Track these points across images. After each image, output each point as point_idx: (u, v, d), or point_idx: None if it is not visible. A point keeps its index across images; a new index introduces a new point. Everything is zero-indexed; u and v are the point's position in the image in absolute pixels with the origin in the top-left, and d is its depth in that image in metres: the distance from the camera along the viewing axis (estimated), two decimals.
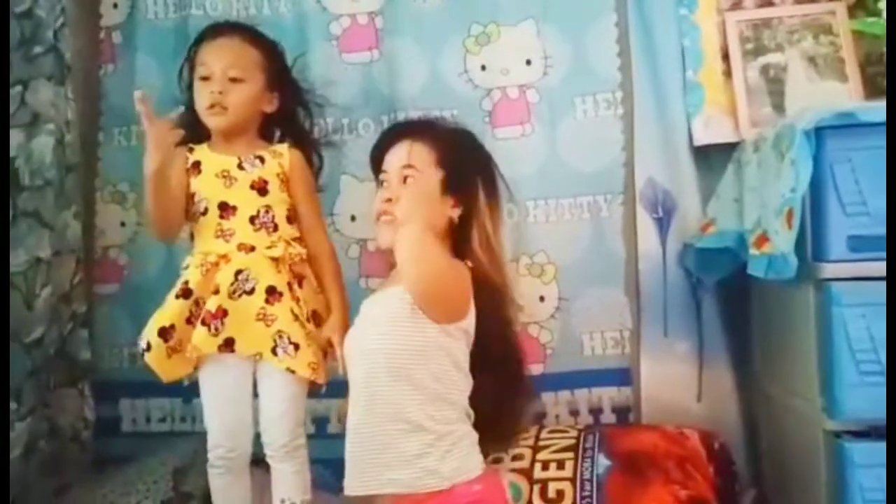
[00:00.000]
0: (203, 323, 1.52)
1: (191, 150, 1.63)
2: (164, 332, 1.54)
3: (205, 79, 1.61)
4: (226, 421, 1.55)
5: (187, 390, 1.65)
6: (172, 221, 1.60)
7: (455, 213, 1.48)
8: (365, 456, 1.39)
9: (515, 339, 1.56)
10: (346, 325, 1.57)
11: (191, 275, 1.57)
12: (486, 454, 1.45)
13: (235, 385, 1.56)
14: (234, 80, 1.60)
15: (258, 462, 1.60)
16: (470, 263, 1.43)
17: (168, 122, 1.54)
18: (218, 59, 1.60)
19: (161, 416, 2.05)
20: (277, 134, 1.73)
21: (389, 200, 1.46)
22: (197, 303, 1.55)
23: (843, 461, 1.37)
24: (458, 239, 1.48)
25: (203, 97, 1.60)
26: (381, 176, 1.52)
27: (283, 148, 1.66)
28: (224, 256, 1.56)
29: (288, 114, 1.71)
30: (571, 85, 1.98)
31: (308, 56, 1.97)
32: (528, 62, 2.00)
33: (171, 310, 1.55)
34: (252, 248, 1.56)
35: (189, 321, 1.54)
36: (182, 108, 1.71)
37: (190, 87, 1.66)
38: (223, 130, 1.62)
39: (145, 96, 1.47)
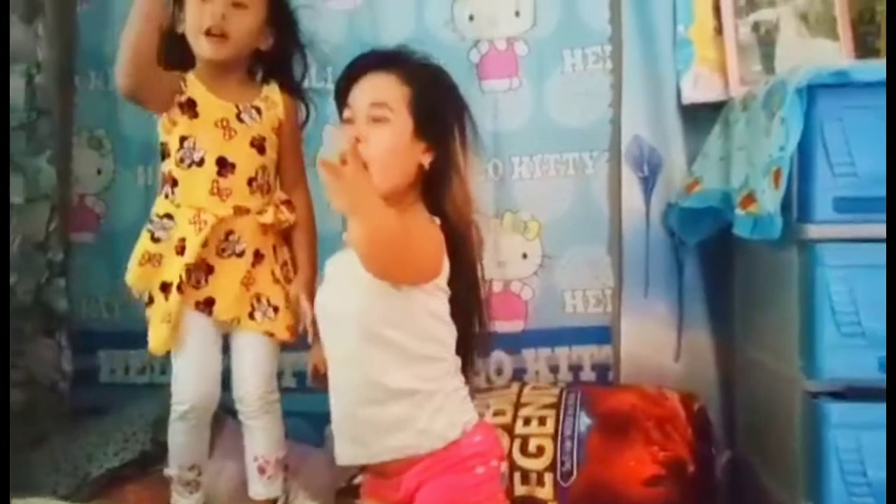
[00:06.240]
0: (186, 276, 1.46)
1: (183, 78, 1.47)
2: (166, 288, 1.47)
3: None
4: (200, 375, 1.50)
5: None
6: (139, 69, 1.39)
7: (426, 160, 1.31)
8: (350, 425, 1.30)
9: (479, 294, 1.42)
10: (312, 284, 1.53)
11: (186, 231, 1.47)
12: None
13: (208, 341, 1.51)
14: (237, 4, 1.44)
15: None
16: (438, 220, 1.31)
17: None
18: None
19: (140, 368, 2.03)
20: (260, 73, 1.58)
21: (358, 141, 1.28)
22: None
23: (819, 421, 1.37)
24: (428, 187, 1.33)
25: (200, 17, 1.43)
26: (346, 112, 1.33)
27: (276, 95, 1.54)
28: (222, 220, 1.48)
29: (281, 56, 1.57)
30: (560, 37, 1.94)
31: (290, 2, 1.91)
32: (517, 13, 1.95)
33: (172, 267, 1.47)
34: (247, 211, 1.50)
35: (179, 288, 1.47)
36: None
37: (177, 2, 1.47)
38: (218, 62, 1.47)
39: None
